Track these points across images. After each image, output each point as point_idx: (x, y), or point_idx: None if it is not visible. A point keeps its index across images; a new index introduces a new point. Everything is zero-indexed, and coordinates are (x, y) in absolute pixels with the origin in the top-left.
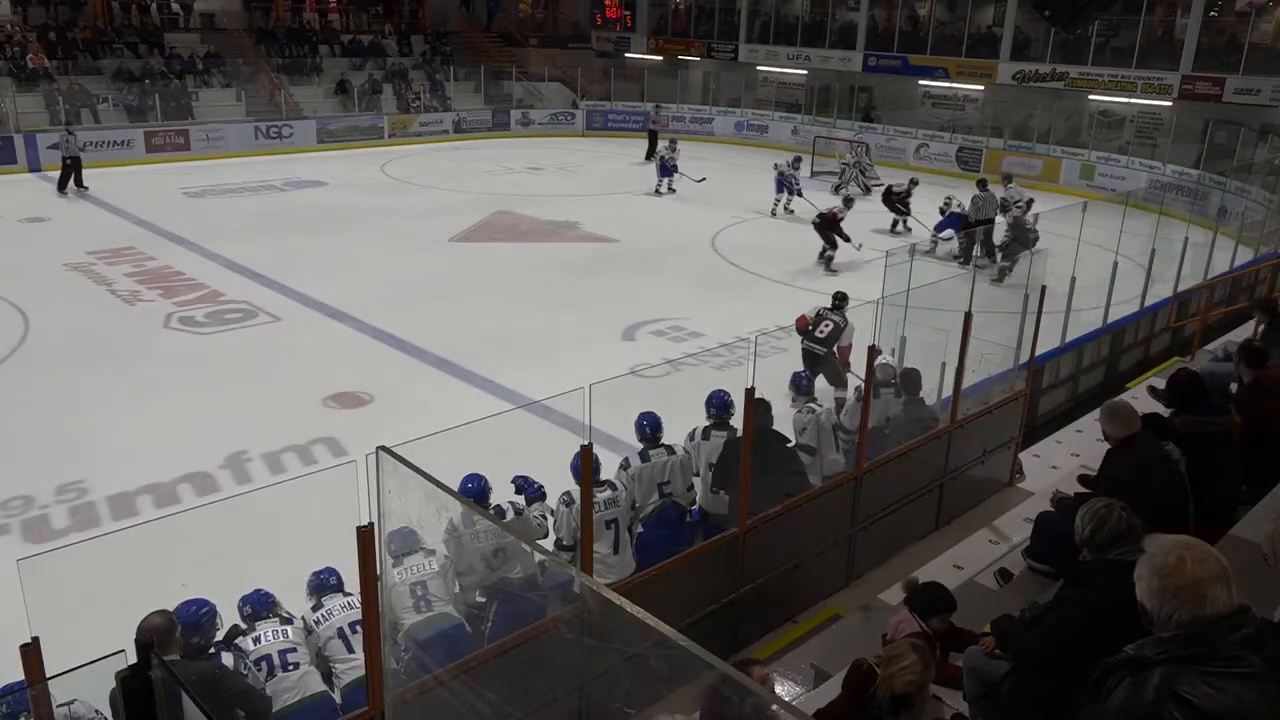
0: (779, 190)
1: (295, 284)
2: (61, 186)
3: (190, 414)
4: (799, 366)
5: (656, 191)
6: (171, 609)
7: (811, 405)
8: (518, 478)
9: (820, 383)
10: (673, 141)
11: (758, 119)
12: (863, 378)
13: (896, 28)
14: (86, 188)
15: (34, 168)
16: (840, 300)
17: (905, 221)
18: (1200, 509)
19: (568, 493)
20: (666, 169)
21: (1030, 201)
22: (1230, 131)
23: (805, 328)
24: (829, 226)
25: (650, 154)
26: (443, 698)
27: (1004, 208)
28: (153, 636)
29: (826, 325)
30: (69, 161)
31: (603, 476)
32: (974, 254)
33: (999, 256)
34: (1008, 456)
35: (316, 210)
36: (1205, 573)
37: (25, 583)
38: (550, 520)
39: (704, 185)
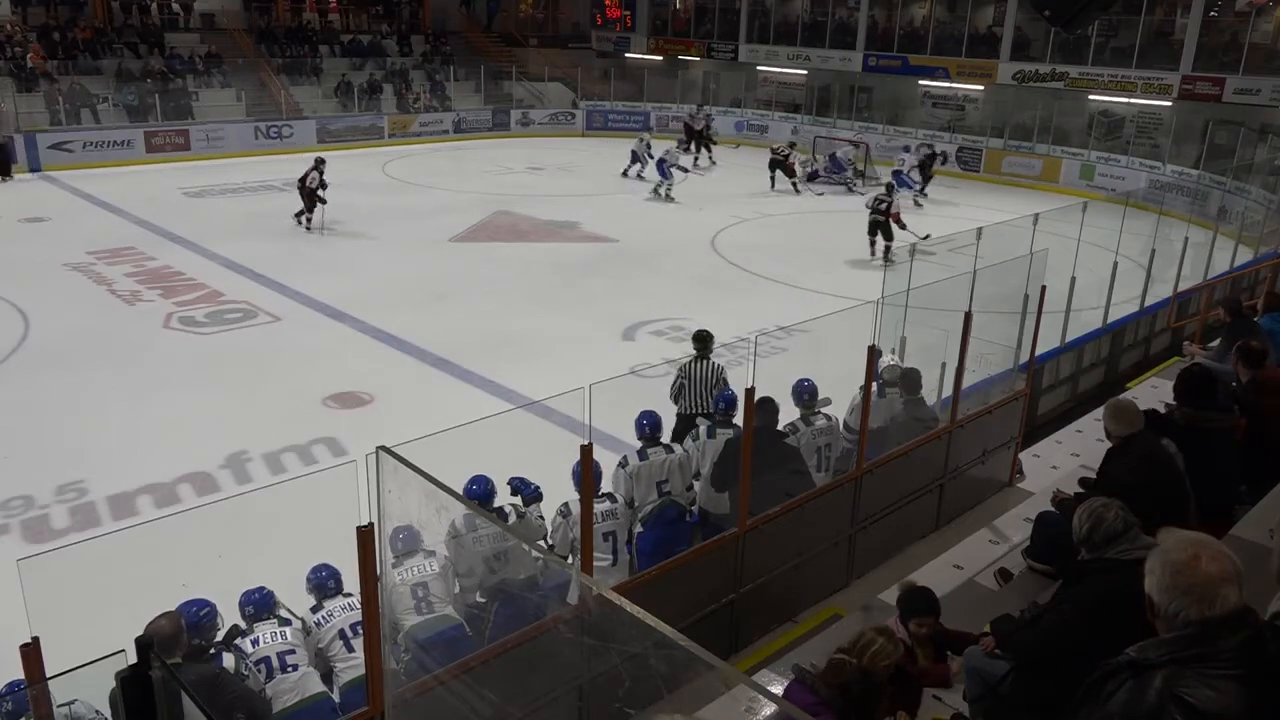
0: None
1: (295, 284)
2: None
3: (190, 414)
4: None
5: (664, 194)
6: (172, 609)
7: (796, 424)
8: (514, 479)
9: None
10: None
11: (758, 119)
12: None
13: (896, 27)
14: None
15: (34, 168)
16: None
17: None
18: (1200, 507)
19: (565, 504)
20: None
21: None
22: (1230, 131)
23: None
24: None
25: (706, 148)
26: (443, 698)
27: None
28: (156, 640)
29: None
30: None
31: (602, 488)
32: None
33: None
34: (1008, 456)
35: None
36: (1218, 573)
37: (25, 583)
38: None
39: (703, 185)
